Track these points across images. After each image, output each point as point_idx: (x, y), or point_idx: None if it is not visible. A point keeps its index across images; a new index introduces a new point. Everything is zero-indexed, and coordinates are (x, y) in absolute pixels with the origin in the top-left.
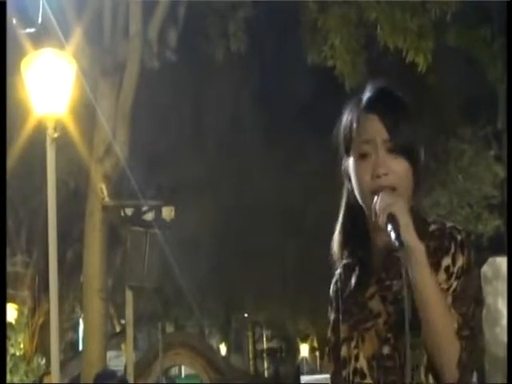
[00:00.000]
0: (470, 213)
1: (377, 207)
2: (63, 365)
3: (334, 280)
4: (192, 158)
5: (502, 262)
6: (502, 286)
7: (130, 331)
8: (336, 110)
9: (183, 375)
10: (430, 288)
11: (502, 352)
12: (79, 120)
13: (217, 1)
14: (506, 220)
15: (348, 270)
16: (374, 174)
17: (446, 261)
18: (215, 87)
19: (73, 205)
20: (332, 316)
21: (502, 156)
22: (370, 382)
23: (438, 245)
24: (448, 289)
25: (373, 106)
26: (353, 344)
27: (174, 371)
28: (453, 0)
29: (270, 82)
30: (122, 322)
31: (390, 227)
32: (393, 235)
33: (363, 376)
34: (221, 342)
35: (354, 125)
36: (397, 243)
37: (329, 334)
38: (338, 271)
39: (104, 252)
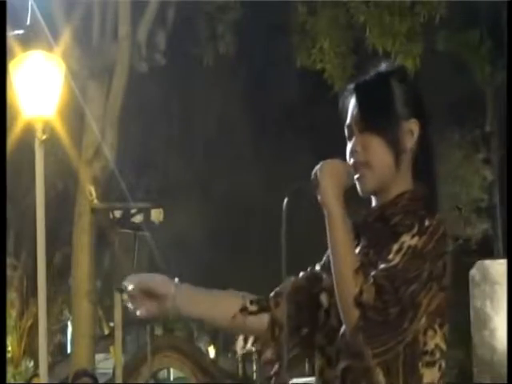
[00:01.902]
0: (458, 216)
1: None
2: (51, 367)
3: None
4: (181, 159)
5: (489, 265)
6: (490, 290)
7: (118, 334)
8: (325, 113)
9: (172, 378)
10: (337, 247)
11: (490, 355)
12: (68, 122)
13: (206, 3)
14: (493, 223)
15: None
16: (349, 152)
17: (405, 237)
18: (204, 90)
19: (61, 207)
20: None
21: (491, 159)
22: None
23: (408, 223)
24: (391, 261)
25: (353, 89)
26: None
27: (162, 374)
28: (442, 0)
29: (260, 84)
30: (111, 324)
31: (302, 183)
32: (294, 188)
33: None
34: (209, 345)
35: (345, 110)
36: (289, 193)
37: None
38: None
39: (93, 254)
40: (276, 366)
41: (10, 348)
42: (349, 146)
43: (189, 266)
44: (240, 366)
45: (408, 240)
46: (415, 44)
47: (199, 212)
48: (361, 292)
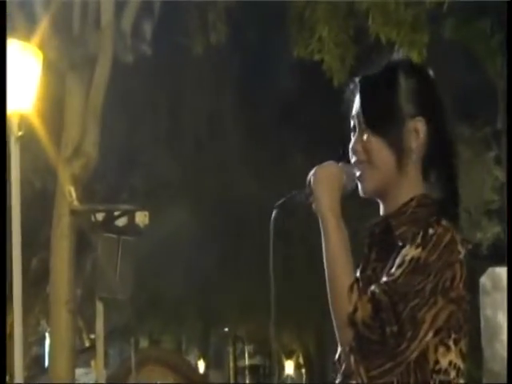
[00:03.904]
0: (467, 219)
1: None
2: (28, 382)
3: None
4: (169, 158)
5: (501, 272)
6: (502, 298)
7: (100, 346)
8: (323, 108)
9: None
10: (331, 261)
11: (501, 368)
12: (46, 117)
13: None
14: (506, 227)
15: None
16: (350, 149)
17: (408, 249)
18: (194, 83)
19: (39, 209)
20: None
21: (502, 158)
22: None
23: (412, 234)
24: (391, 275)
25: (359, 80)
26: None
27: None
28: None
29: (253, 77)
30: (92, 336)
31: (295, 193)
32: (284, 199)
33: None
34: (199, 359)
35: (351, 101)
36: (277, 205)
37: None
38: None
39: (72, 260)
40: None
41: None
42: (352, 139)
43: (177, 274)
44: (232, 381)
45: (411, 252)
46: (421, 33)
47: (188, 215)
48: (355, 309)
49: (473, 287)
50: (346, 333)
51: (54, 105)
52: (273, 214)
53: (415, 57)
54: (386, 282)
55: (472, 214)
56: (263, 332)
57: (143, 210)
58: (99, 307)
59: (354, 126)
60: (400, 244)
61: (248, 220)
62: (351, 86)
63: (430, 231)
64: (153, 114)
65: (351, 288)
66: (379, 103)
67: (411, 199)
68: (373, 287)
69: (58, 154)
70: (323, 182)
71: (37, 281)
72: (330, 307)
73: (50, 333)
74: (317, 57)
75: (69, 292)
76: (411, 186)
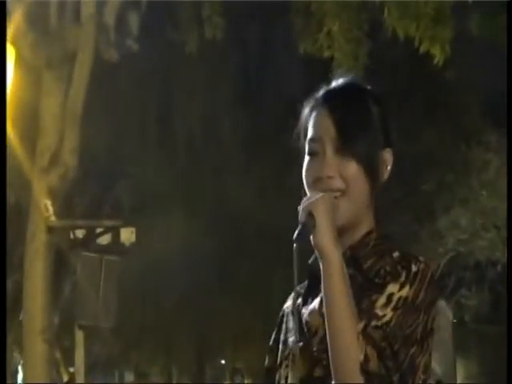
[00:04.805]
0: (496, 236)
1: (301, 205)
2: None
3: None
4: (158, 168)
5: None
6: None
7: (80, 381)
8: None
9: None
10: (336, 305)
11: None
12: (20, 121)
13: None
14: None
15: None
16: (317, 176)
17: (392, 287)
18: (186, 83)
19: (12, 225)
20: (273, 335)
21: None
22: None
23: (391, 270)
24: (381, 318)
25: (326, 98)
26: (284, 364)
27: None
28: None
29: (253, 77)
30: (71, 369)
31: (302, 224)
32: (297, 231)
33: None
34: None
35: (308, 119)
36: (297, 238)
37: (266, 360)
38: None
39: (49, 283)
40: None
41: None
42: (310, 164)
43: (166, 297)
44: None
45: (396, 291)
46: (444, 28)
47: (180, 231)
48: (367, 359)
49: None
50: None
51: (29, 108)
52: (294, 247)
53: (437, 53)
54: (379, 326)
55: (501, 230)
56: (263, 364)
57: (129, 226)
58: (79, 336)
59: (313, 150)
60: (376, 280)
61: (247, 237)
62: (310, 104)
63: (414, 268)
64: (140, 118)
65: (358, 334)
66: (357, 127)
67: (369, 231)
68: (368, 330)
69: (33, 163)
70: (326, 214)
71: (9, 307)
72: (336, 358)
73: (23, 366)
74: (326, 54)
75: (45, 319)
76: (369, 219)
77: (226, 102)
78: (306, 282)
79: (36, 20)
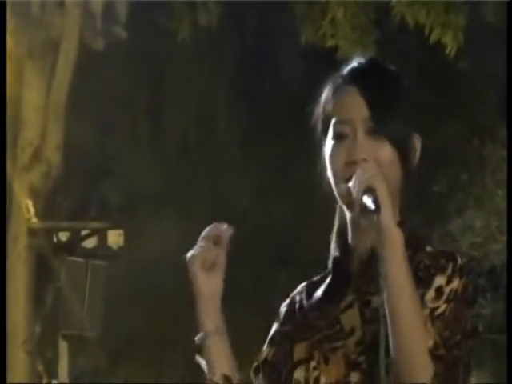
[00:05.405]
0: None
1: (353, 180)
2: None
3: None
4: (149, 165)
5: None
6: None
7: None
8: None
9: None
10: (404, 289)
11: None
12: None
13: None
14: None
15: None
16: (349, 160)
17: (440, 280)
18: (179, 74)
19: None
20: (276, 327)
21: None
22: None
23: (432, 263)
24: (434, 310)
25: (353, 75)
26: (312, 364)
27: None
28: None
29: (252, 67)
30: (54, 382)
31: (365, 197)
32: (369, 201)
33: None
34: None
35: (332, 100)
36: (373, 207)
37: (264, 349)
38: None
39: (30, 290)
40: None
41: None
42: (338, 148)
43: (157, 305)
44: None
45: (445, 283)
46: (457, 14)
47: (171, 234)
48: (436, 343)
49: None
50: (428, 369)
51: (9, 100)
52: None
53: (449, 42)
54: (437, 316)
55: None
56: None
57: (117, 229)
58: (63, 347)
59: (341, 132)
60: (419, 273)
61: (245, 241)
62: (333, 83)
63: (459, 261)
64: (129, 111)
65: (426, 321)
66: (391, 107)
67: (400, 222)
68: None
69: (14, 160)
70: (387, 191)
71: None
72: (403, 345)
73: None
74: (330, 42)
75: (26, 329)
76: (398, 209)
77: (223, 94)
78: (319, 277)
79: (17, 6)
